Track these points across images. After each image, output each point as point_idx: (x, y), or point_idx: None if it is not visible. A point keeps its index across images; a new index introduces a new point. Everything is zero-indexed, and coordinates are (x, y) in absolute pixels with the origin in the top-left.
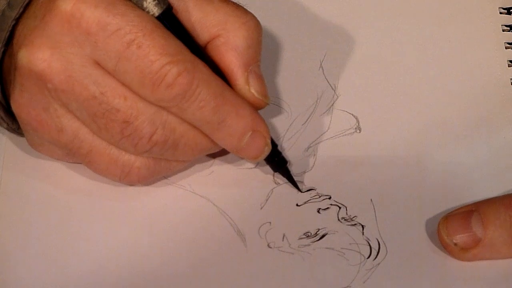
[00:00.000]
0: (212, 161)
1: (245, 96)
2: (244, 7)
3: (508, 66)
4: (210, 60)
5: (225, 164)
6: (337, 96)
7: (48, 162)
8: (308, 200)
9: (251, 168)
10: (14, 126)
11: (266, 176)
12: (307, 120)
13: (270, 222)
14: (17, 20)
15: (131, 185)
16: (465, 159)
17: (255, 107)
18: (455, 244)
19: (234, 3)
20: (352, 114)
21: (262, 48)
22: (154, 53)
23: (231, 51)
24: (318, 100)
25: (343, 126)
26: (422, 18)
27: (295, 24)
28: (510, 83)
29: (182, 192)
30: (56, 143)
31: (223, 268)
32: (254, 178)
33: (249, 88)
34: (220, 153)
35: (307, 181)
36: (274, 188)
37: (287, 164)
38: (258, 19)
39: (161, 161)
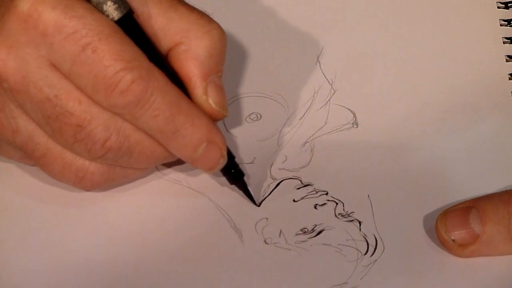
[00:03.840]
0: None
1: (203, 106)
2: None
3: (506, 61)
4: (170, 68)
5: None
6: (334, 91)
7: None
8: (305, 196)
9: (248, 163)
10: None
11: (263, 172)
12: (304, 115)
13: (266, 218)
14: None
15: (85, 190)
16: (463, 154)
17: (213, 118)
18: (453, 241)
19: (199, 12)
20: (349, 109)
21: (260, 42)
22: (109, 58)
23: (191, 60)
24: (315, 95)
25: (340, 121)
26: (419, 13)
27: (292, 18)
28: (508, 78)
29: (179, 187)
30: (12, 144)
31: (220, 264)
32: (251, 174)
33: (207, 98)
34: None
35: (304, 176)
36: (271, 183)
37: (244, 177)
38: (255, 13)
39: (116, 167)
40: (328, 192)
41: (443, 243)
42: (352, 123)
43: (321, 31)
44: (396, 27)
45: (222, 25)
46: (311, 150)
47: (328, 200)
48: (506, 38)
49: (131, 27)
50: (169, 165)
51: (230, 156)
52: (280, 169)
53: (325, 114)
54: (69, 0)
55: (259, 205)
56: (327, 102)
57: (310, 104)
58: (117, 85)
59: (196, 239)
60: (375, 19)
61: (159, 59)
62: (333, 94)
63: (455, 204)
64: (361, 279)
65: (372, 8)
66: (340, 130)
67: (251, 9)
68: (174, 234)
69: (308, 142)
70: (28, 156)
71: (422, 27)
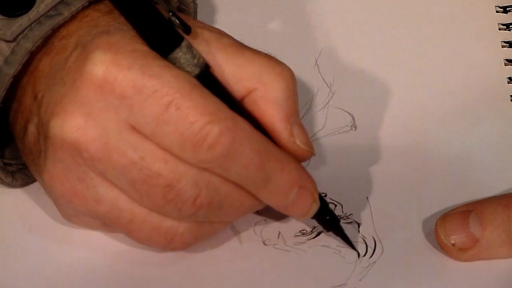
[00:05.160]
0: None
1: (291, 149)
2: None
3: (505, 65)
4: (249, 115)
5: None
6: (333, 94)
7: None
8: None
9: None
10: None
11: None
12: (302, 117)
13: (265, 220)
14: (15, 77)
15: (173, 251)
16: (462, 157)
17: (301, 159)
18: (453, 245)
19: (266, 54)
20: (348, 112)
21: (259, 45)
22: (194, 113)
23: (271, 104)
24: (314, 98)
25: (339, 124)
26: (418, 16)
27: (291, 21)
28: (507, 82)
29: None
30: (93, 215)
31: (218, 265)
32: None
33: (295, 140)
34: None
35: None
36: None
37: (340, 222)
38: (254, 16)
39: (205, 224)
40: (327, 194)
41: (442, 247)
42: (351, 126)
43: (319, 34)
44: (395, 31)
45: (220, 28)
46: None
47: None
48: (505, 42)
49: (208, 80)
50: None
51: (323, 202)
52: None
53: (324, 116)
54: (144, 58)
55: (358, 251)
56: (325, 104)
57: (309, 107)
58: (205, 140)
59: None
60: (374, 22)
61: (238, 107)
62: (331, 97)
63: (454, 208)
64: (360, 280)
65: (371, 12)
66: (339, 133)
67: (250, 12)
68: None
69: None
70: (111, 224)
71: (421, 31)
